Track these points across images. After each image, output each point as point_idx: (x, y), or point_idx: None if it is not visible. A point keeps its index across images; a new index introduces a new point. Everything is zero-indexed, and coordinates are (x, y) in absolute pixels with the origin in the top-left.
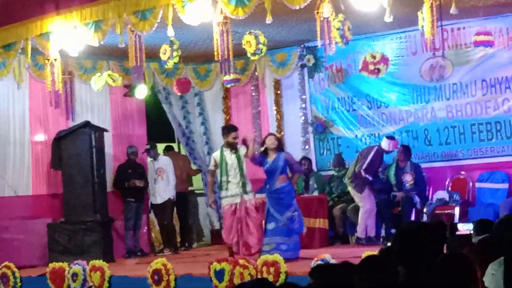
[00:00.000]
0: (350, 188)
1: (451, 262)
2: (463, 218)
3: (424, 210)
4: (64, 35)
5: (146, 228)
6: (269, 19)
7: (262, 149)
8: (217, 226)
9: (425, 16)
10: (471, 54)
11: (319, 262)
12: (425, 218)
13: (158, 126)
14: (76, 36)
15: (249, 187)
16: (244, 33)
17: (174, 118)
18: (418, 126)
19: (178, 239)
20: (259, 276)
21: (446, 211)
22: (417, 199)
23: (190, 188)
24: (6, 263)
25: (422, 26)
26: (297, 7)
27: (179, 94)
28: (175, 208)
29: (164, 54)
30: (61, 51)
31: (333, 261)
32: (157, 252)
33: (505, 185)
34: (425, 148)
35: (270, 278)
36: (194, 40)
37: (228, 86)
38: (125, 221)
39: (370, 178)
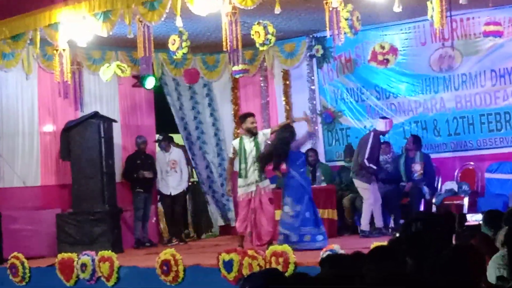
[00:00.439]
0: (356, 181)
1: (460, 253)
2: (472, 208)
3: (433, 200)
4: (72, 26)
5: (154, 219)
6: (277, 9)
7: None
8: (220, 222)
9: (434, 6)
10: (480, 44)
11: (328, 252)
12: (434, 208)
13: (167, 116)
14: (85, 26)
15: (264, 174)
16: (252, 23)
17: (179, 110)
18: (427, 116)
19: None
20: (268, 267)
21: (455, 202)
22: (426, 189)
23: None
24: (15, 253)
25: (431, 16)
26: None
27: (187, 84)
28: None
29: (173, 44)
30: (70, 41)
31: (341, 251)
32: (165, 242)
33: None
34: (434, 138)
35: (279, 268)
36: (202, 30)
37: (237, 76)
38: (135, 211)
39: (374, 167)
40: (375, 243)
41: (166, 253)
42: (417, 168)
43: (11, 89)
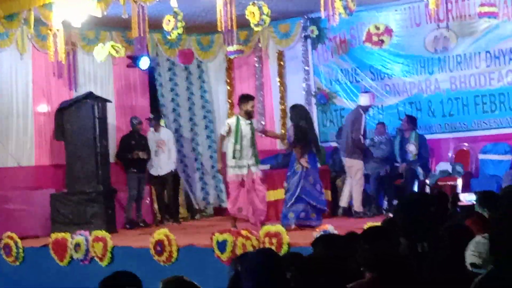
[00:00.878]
0: (349, 160)
1: (453, 233)
2: (466, 189)
3: (427, 181)
4: (67, 6)
5: (148, 199)
6: None
7: None
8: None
9: None
10: (475, 25)
11: (321, 233)
12: (427, 189)
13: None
14: (79, 6)
15: (257, 159)
16: (247, 3)
17: (170, 91)
18: (421, 97)
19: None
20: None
21: (449, 183)
22: (420, 170)
23: None
24: (9, 233)
25: None
26: None
27: (182, 65)
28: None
29: (168, 24)
30: (64, 21)
31: (335, 232)
32: (157, 223)
33: (508, 157)
34: (428, 119)
35: (273, 248)
36: (197, 11)
37: (232, 57)
38: (128, 192)
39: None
40: (368, 223)
41: (160, 233)
42: (412, 148)
43: (5, 69)
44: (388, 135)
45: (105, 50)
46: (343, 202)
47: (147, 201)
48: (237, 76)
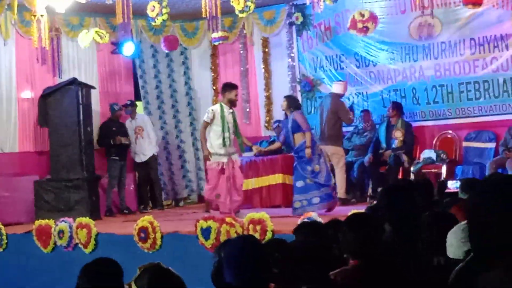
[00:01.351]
0: (331, 148)
1: (438, 220)
2: (450, 177)
3: (411, 168)
4: None
5: (132, 186)
6: None
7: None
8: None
9: None
10: (460, 12)
11: (305, 220)
12: (412, 176)
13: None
14: None
15: (242, 147)
16: None
17: (153, 78)
18: (406, 85)
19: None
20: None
21: (433, 170)
22: (404, 157)
23: None
24: None
25: None
26: None
27: (166, 51)
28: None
29: (152, 11)
30: (48, 7)
31: (319, 219)
32: (141, 210)
33: (492, 144)
34: (413, 107)
35: (257, 236)
36: None
37: (216, 43)
38: (109, 179)
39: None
40: (353, 210)
41: (144, 220)
42: (398, 134)
43: None
44: (372, 122)
45: (89, 36)
46: None
47: (132, 188)
48: (222, 63)
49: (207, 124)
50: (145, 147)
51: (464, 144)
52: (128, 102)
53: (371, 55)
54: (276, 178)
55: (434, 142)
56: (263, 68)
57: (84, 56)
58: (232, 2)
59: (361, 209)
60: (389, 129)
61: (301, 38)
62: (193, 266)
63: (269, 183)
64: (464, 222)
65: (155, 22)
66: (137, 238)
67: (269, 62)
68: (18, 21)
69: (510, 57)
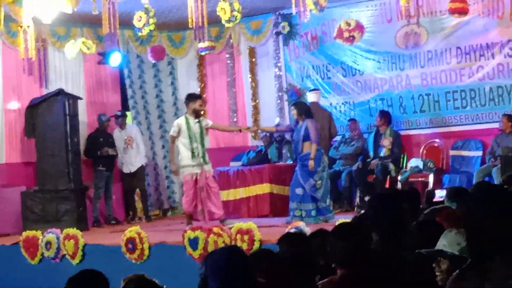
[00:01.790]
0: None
1: (424, 229)
2: (437, 185)
3: (399, 177)
4: (37, 2)
5: (114, 197)
6: None
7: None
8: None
9: None
10: (446, 21)
11: (293, 230)
12: (399, 185)
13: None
14: (49, 2)
15: (207, 158)
16: (218, 0)
17: (140, 88)
18: (392, 93)
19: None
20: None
21: (420, 179)
22: (391, 166)
23: None
24: None
25: None
26: None
27: (153, 61)
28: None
29: (139, 21)
30: (35, 18)
31: (307, 229)
32: (128, 220)
33: (479, 153)
34: (399, 115)
35: (244, 246)
36: (168, 7)
37: (203, 53)
38: (95, 190)
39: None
40: (340, 220)
41: (131, 231)
42: (386, 143)
43: None
44: (360, 131)
45: (76, 47)
46: None
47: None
48: (209, 73)
49: (174, 138)
50: (134, 158)
51: (451, 152)
52: (119, 113)
53: (358, 64)
54: (264, 188)
55: (421, 151)
56: (250, 77)
57: (71, 67)
58: (219, 12)
59: (348, 218)
60: (377, 138)
61: (288, 48)
62: (181, 276)
63: (256, 192)
64: (455, 230)
65: (141, 32)
66: (124, 249)
67: (256, 72)
68: (5, 32)
69: (496, 65)
